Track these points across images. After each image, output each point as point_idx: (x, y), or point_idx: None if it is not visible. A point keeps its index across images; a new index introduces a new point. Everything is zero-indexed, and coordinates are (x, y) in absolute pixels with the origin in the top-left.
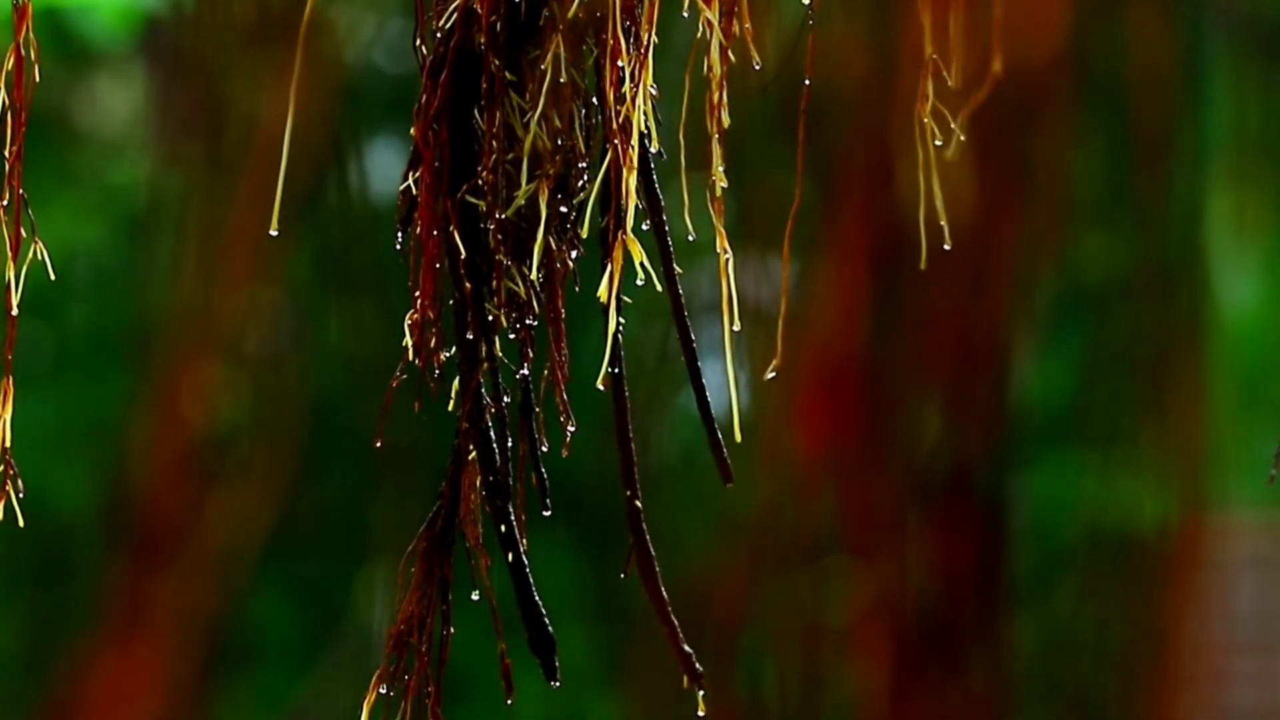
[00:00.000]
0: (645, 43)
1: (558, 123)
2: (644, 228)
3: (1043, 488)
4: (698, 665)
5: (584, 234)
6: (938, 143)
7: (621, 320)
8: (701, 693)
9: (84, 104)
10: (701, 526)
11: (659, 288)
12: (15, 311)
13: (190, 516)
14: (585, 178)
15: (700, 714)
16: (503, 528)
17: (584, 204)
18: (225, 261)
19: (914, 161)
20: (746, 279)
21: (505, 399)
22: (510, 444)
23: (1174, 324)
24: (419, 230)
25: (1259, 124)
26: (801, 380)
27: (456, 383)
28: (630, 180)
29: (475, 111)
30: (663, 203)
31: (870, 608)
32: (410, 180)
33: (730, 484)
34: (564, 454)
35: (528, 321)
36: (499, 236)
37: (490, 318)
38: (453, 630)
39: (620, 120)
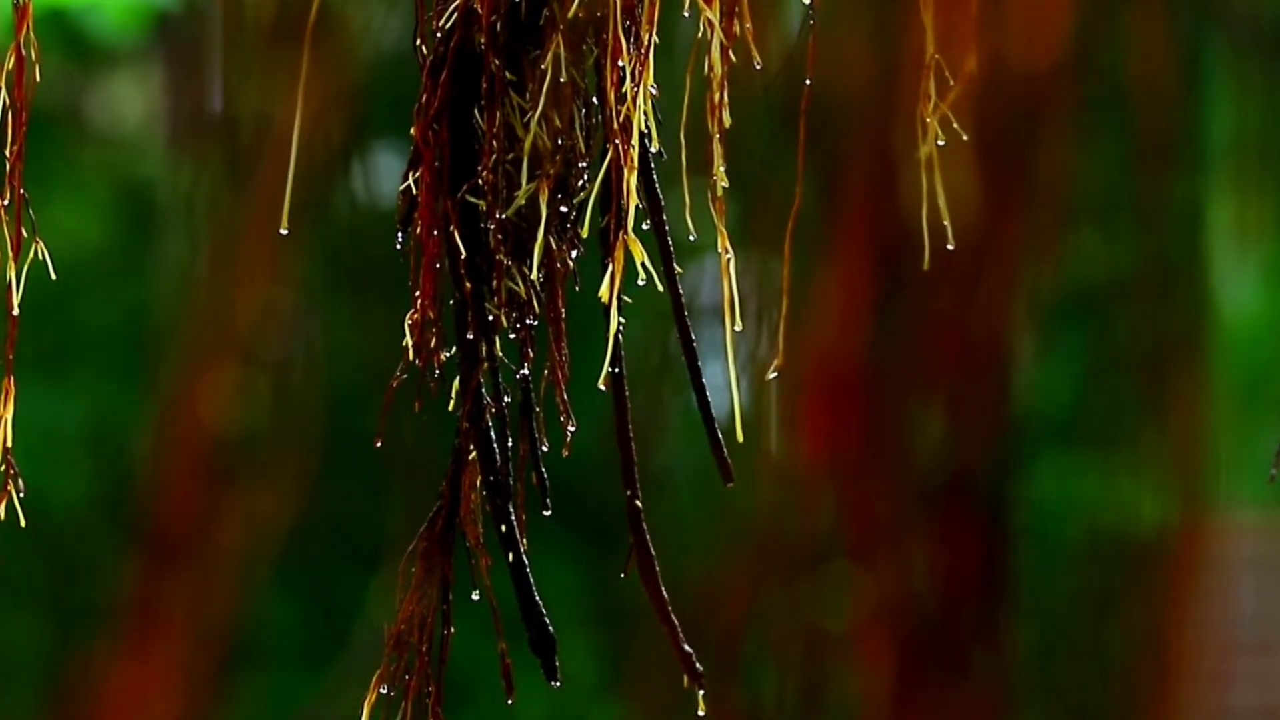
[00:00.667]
0: (646, 42)
1: (558, 122)
2: (644, 227)
3: (1044, 490)
4: (698, 665)
5: (584, 234)
6: (941, 143)
7: (622, 320)
8: (702, 693)
9: (97, 103)
10: (704, 531)
11: (660, 288)
12: (16, 311)
13: (205, 519)
14: (585, 177)
15: (700, 714)
16: (503, 527)
17: (584, 204)
18: (240, 263)
19: (917, 164)
20: (750, 281)
21: (505, 399)
22: (510, 444)
23: (1175, 326)
24: (419, 230)
25: (1260, 127)
26: (804, 384)
27: (457, 382)
28: (631, 180)
29: (475, 111)
30: (663, 202)
31: (872, 612)
32: (410, 180)
33: (730, 484)
34: (564, 454)
35: (528, 321)
36: (499, 236)
37: (490, 317)
38: (453, 630)
39: (621, 120)
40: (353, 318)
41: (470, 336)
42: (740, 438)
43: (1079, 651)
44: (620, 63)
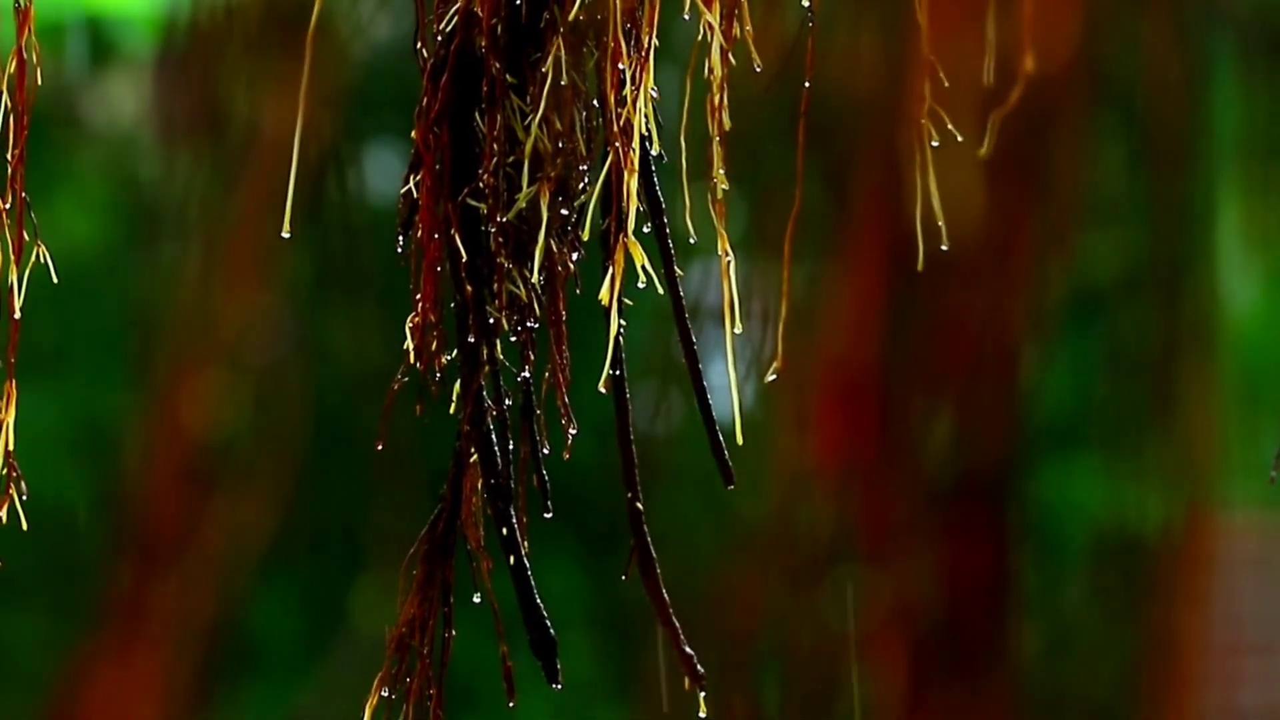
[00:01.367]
0: (646, 45)
1: (559, 125)
2: (645, 230)
3: (1053, 492)
4: (699, 667)
5: (585, 237)
6: (934, 143)
7: (623, 323)
8: (704, 695)
9: (91, 104)
10: (714, 535)
11: (660, 290)
12: (18, 315)
13: (191, 522)
14: (586, 180)
15: (702, 716)
16: (504, 530)
17: (585, 207)
18: (227, 266)
19: (928, 167)
20: (758, 284)
21: (506, 402)
22: (511, 447)
23: (1182, 327)
24: (420, 233)
25: (1269, 128)
26: (815, 387)
27: (458, 386)
28: (631, 183)
29: (476, 114)
30: (664, 205)
31: (884, 615)
32: (411, 183)
33: (731, 486)
34: (565, 456)
35: (529, 324)
36: (500, 239)
37: (491, 320)
38: (454, 633)
39: (621, 123)
40: (341, 321)
41: (471, 339)
42: (740, 440)
43: (1086, 653)
44: (621, 65)
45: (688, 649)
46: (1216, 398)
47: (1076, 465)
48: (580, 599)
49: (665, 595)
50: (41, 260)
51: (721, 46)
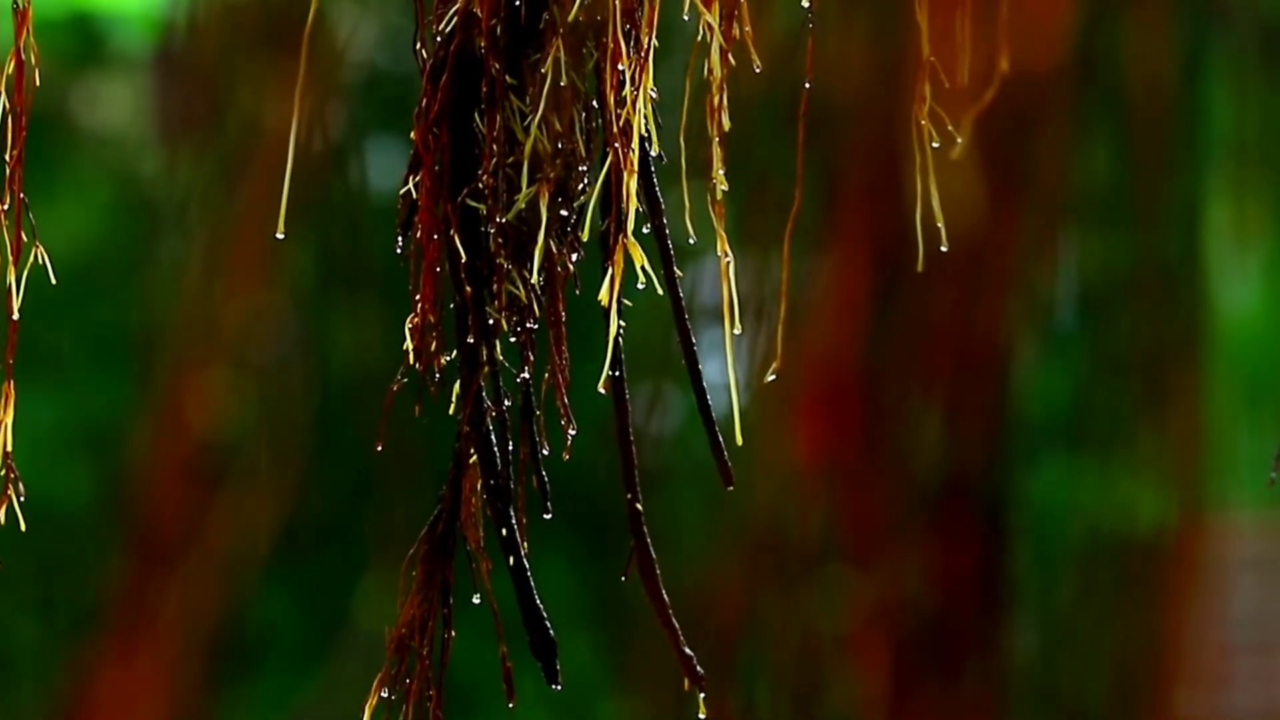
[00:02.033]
0: (645, 46)
1: (558, 126)
2: (644, 231)
3: (1042, 492)
4: (699, 668)
5: (584, 237)
6: (935, 145)
7: (623, 323)
8: (703, 695)
9: (88, 103)
10: (700, 534)
11: (659, 291)
12: (16, 316)
13: (194, 521)
14: (586, 181)
15: (701, 717)
16: (504, 531)
17: (584, 207)
18: (230, 265)
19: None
20: (749, 282)
21: (506, 402)
22: (511, 447)
23: (1174, 327)
24: (419, 234)
25: (1259, 127)
26: (801, 386)
27: (457, 386)
28: (631, 183)
29: (475, 115)
30: (663, 205)
31: (869, 615)
32: (410, 184)
33: (731, 486)
34: (565, 457)
35: (528, 325)
36: (499, 240)
37: (491, 321)
38: (454, 634)
39: (621, 124)
40: (345, 320)
41: (471, 340)
42: (739, 440)
43: (1078, 653)
44: (620, 66)
45: (687, 650)
46: (1209, 396)
47: (1069, 464)
48: (580, 599)
49: (665, 596)
50: (40, 261)
51: (721, 46)
